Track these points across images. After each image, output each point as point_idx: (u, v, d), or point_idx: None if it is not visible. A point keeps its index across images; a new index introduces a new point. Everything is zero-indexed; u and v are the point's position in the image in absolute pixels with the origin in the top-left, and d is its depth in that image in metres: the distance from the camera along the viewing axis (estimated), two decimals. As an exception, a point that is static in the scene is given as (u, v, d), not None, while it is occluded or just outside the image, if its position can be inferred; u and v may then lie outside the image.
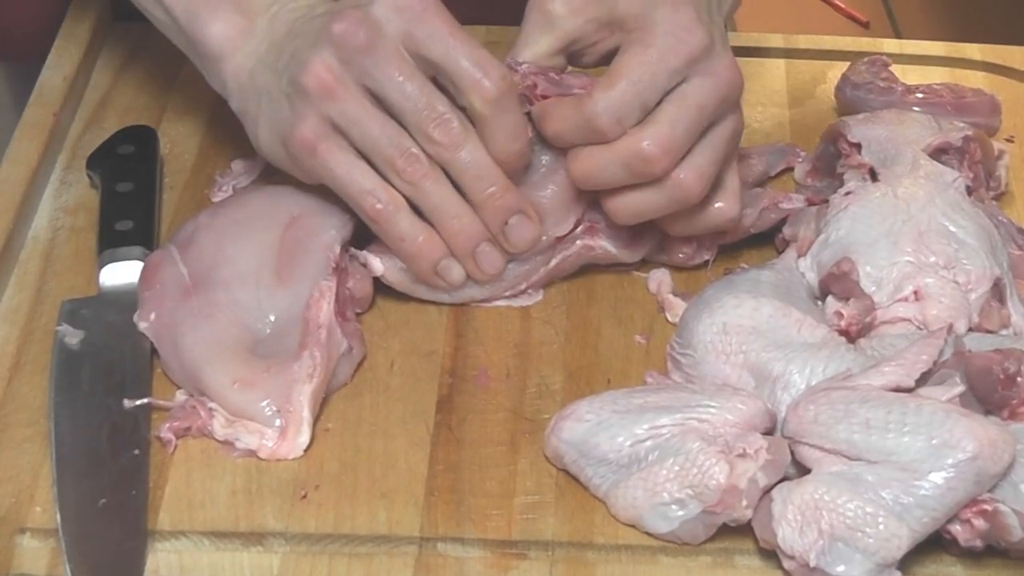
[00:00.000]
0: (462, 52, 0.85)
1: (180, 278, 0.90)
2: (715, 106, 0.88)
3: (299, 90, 0.86)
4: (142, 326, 0.89)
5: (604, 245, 0.93)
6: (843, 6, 2.44)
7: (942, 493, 0.75)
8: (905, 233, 0.88)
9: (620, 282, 0.95)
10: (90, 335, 0.89)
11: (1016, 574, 0.78)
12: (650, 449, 0.80)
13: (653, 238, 0.94)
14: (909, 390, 0.80)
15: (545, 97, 0.90)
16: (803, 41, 1.13)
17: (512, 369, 0.89)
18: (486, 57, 0.85)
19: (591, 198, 0.91)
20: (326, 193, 0.90)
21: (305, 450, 0.84)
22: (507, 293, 0.92)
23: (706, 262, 0.95)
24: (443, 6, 0.86)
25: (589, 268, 0.95)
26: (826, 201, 0.93)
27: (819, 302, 0.89)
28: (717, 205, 0.91)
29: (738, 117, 0.91)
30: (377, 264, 0.90)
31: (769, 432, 0.81)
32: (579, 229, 0.92)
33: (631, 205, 0.88)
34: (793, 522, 0.76)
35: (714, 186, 0.89)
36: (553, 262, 0.92)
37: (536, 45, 0.92)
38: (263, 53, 0.90)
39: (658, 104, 0.86)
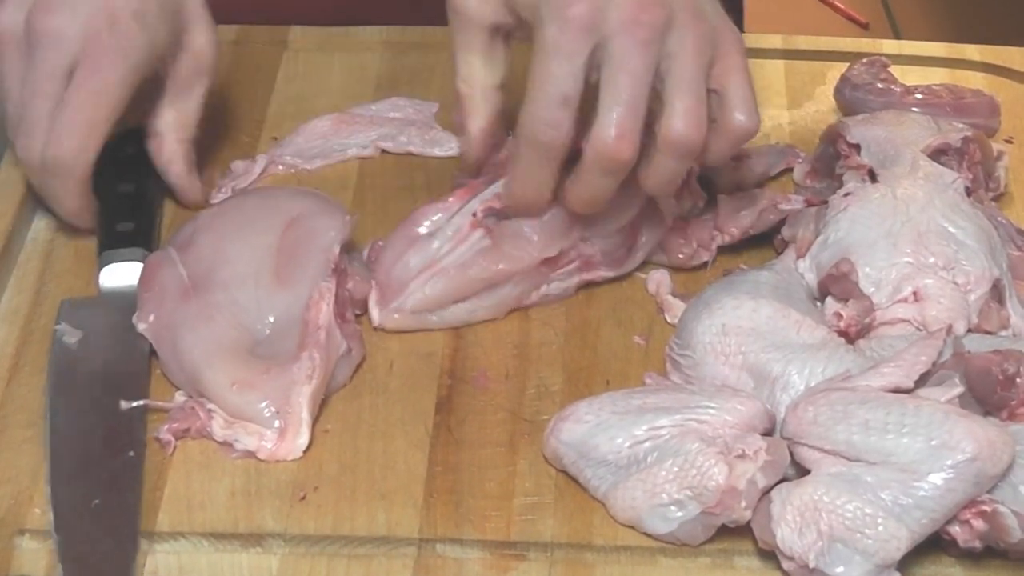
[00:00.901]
0: None
1: (179, 279, 0.90)
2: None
3: None
4: (141, 327, 0.89)
5: (601, 273, 0.94)
6: (842, 7, 2.44)
7: (941, 494, 0.75)
8: (904, 234, 0.88)
9: (619, 283, 0.95)
10: (88, 335, 0.89)
11: (1016, 575, 0.78)
12: (649, 450, 0.80)
13: (645, 249, 0.94)
14: (908, 391, 0.80)
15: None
16: (802, 42, 1.13)
17: (511, 370, 0.89)
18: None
19: (583, 228, 0.91)
20: (325, 195, 0.90)
21: (304, 451, 0.84)
22: (498, 317, 0.92)
23: (705, 263, 0.95)
24: None
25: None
26: (825, 202, 0.93)
27: (818, 303, 0.89)
28: (737, 118, 0.87)
29: (716, 32, 0.86)
30: (375, 315, 0.91)
31: (768, 433, 0.81)
32: (573, 265, 0.92)
33: (654, 177, 0.86)
34: (792, 523, 0.76)
35: (724, 104, 0.86)
36: (544, 288, 0.92)
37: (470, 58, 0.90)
38: None
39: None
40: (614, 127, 0.83)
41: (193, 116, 0.97)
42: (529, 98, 0.84)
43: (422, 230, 0.91)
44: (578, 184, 0.86)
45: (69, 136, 0.90)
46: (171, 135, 0.96)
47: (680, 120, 0.83)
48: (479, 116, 0.91)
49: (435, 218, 0.91)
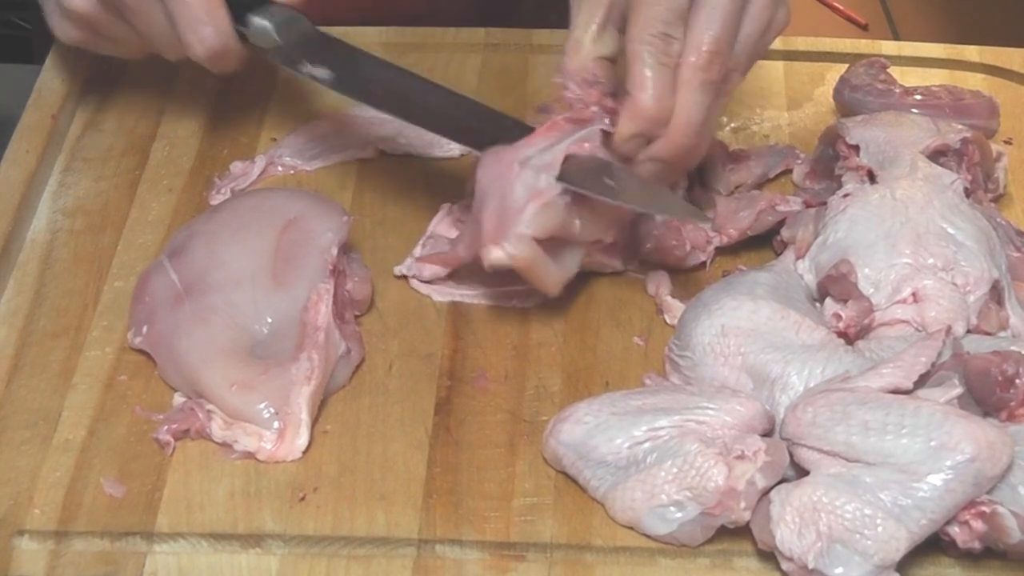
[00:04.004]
0: None
1: (171, 286, 0.90)
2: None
3: None
4: (136, 342, 0.89)
5: (615, 263, 0.94)
6: (841, 8, 2.44)
7: (940, 495, 0.75)
8: (903, 235, 0.88)
9: (618, 284, 0.95)
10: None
11: (1015, 576, 0.78)
12: (648, 451, 0.80)
13: (642, 244, 0.94)
14: (908, 392, 0.80)
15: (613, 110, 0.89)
16: (801, 43, 1.13)
17: (510, 371, 0.89)
18: None
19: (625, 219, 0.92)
20: (323, 196, 0.90)
21: (303, 452, 0.84)
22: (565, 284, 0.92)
23: (703, 264, 0.95)
24: None
25: (587, 270, 0.95)
26: (824, 203, 0.93)
27: (817, 304, 0.89)
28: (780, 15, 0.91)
29: None
30: (494, 253, 0.87)
31: (767, 434, 0.81)
32: (595, 249, 0.93)
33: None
34: (791, 524, 0.76)
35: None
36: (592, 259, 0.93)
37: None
38: None
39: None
40: (708, 41, 0.85)
41: None
42: (645, 10, 0.86)
43: (522, 163, 0.88)
44: (678, 106, 0.86)
45: (204, 32, 0.93)
46: None
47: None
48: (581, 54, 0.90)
49: (534, 151, 0.89)
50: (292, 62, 0.94)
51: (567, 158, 0.87)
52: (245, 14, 0.94)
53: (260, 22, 0.94)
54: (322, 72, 0.93)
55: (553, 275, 0.90)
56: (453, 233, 0.95)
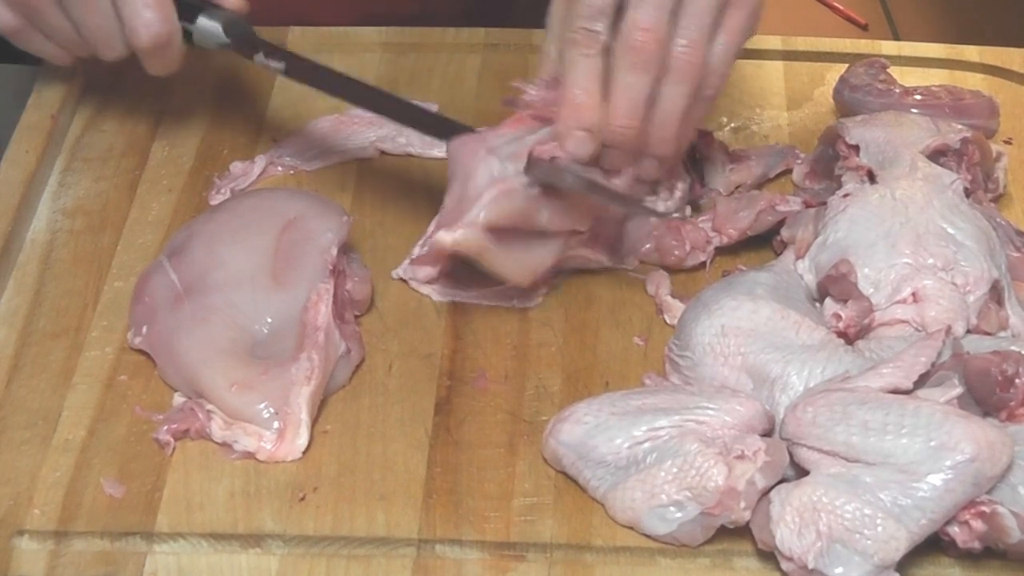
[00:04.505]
0: None
1: (170, 286, 0.90)
2: None
3: None
4: (136, 342, 0.89)
5: (599, 258, 0.94)
6: (841, 8, 2.44)
7: (940, 495, 0.75)
8: (903, 235, 0.88)
9: (618, 284, 0.95)
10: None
11: (1014, 576, 0.78)
12: (648, 451, 0.80)
13: (641, 244, 0.94)
14: (907, 392, 0.80)
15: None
16: (801, 43, 1.13)
17: (510, 371, 0.89)
18: None
19: (599, 213, 0.92)
20: (323, 196, 0.90)
21: (303, 452, 0.84)
22: (528, 281, 0.92)
23: (703, 264, 0.95)
24: None
25: (587, 271, 0.95)
26: (824, 203, 0.93)
27: (817, 304, 0.89)
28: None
29: None
30: (447, 237, 0.88)
31: (767, 434, 0.81)
32: (577, 240, 0.93)
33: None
34: (791, 524, 0.76)
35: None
36: (567, 255, 0.93)
37: None
38: None
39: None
40: (641, 22, 0.85)
41: None
42: (570, 11, 0.87)
43: (489, 151, 0.89)
44: (612, 91, 0.87)
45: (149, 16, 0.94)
46: None
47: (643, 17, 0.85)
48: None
49: (501, 141, 0.90)
50: (243, 55, 0.97)
51: (531, 154, 0.88)
52: (192, 13, 0.96)
53: (208, 22, 0.96)
54: (275, 63, 0.95)
55: (512, 265, 0.89)
56: None
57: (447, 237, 0.87)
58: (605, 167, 0.90)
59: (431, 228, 0.93)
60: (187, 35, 0.97)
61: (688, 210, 0.97)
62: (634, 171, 0.91)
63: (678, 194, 0.96)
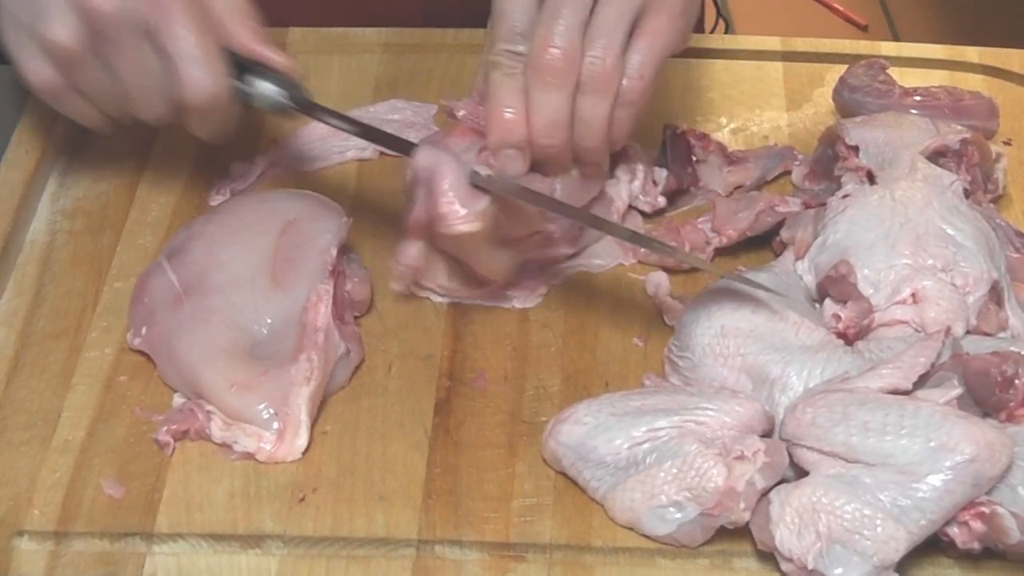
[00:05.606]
0: None
1: (170, 287, 0.90)
2: None
3: None
4: (135, 343, 0.89)
5: (563, 250, 0.95)
6: (841, 8, 2.44)
7: (940, 496, 0.75)
8: (903, 236, 0.88)
9: (618, 285, 0.95)
10: None
11: (1014, 576, 0.78)
12: (648, 452, 0.80)
13: (585, 235, 0.95)
14: (907, 393, 0.80)
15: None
16: (801, 44, 1.13)
17: (510, 372, 0.89)
18: None
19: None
20: (322, 197, 0.90)
21: (303, 453, 0.84)
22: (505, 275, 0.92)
23: (703, 264, 0.95)
24: None
25: (586, 272, 0.95)
26: (824, 204, 0.93)
27: (817, 305, 0.90)
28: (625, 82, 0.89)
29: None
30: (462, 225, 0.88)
31: (767, 434, 0.81)
32: (539, 238, 0.93)
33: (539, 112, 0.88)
34: (791, 524, 0.76)
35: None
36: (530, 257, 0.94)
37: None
38: None
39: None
40: (548, 39, 0.86)
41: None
42: (492, 33, 0.89)
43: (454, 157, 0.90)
44: (532, 108, 0.87)
45: (198, 74, 0.89)
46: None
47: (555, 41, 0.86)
48: None
49: (460, 151, 0.90)
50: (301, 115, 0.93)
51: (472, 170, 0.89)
52: (246, 72, 0.91)
53: (263, 83, 0.91)
54: (336, 121, 0.92)
55: (488, 261, 0.91)
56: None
57: (464, 226, 0.87)
58: (546, 174, 0.91)
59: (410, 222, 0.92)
60: (240, 96, 0.91)
61: (663, 201, 0.97)
62: (577, 174, 0.92)
63: (639, 176, 0.96)
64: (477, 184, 0.87)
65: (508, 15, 0.89)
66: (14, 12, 0.90)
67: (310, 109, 0.92)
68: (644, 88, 0.88)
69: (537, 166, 0.90)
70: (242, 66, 0.91)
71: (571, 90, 0.87)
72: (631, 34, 0.88)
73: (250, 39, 0.91)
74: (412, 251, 0.90)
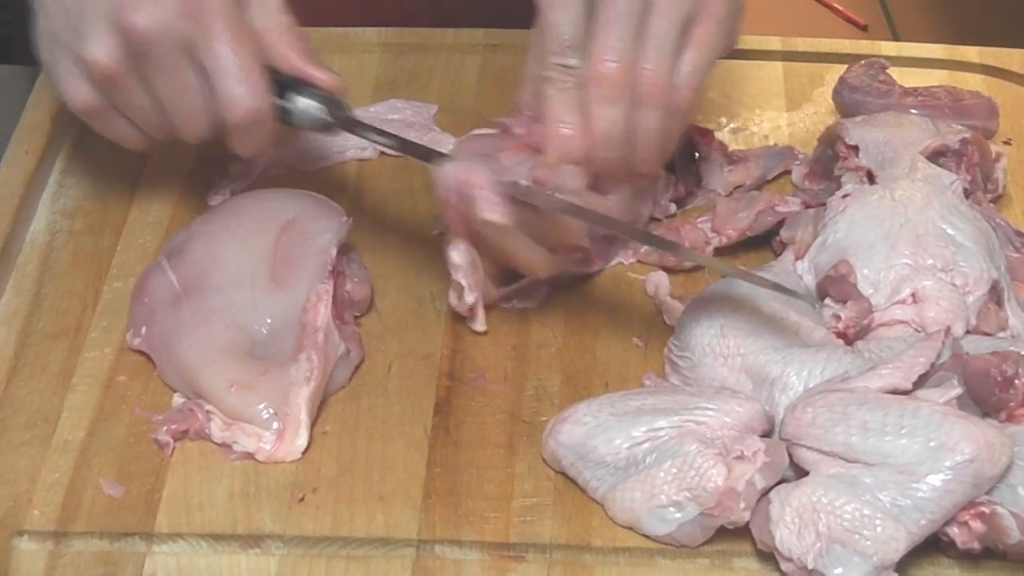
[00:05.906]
0: None
1: (169, 287, 0.90)
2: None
3: None
4: (135, 343, 0.89)
5: (596, 266, 0.95)
6: (841, 8, 2.44)
7: (939, 495, 0.75)
8: (903, 236, 0.88)
9: (618, 285, 0.95)
10: None
11: (1014, 576, 0.78)
12: (648, 452, 0.80)
13: (615, 250, 0.95)
14: (907, 392, 0.80)
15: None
16: (801, 43, 1.13)
17: (510, 372, 0.89)
18: None
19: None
20: (322, 196, 0.90)
21: (303, 453, 0.84)
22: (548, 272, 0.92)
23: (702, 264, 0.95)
24: None
25: (586, 272, 0.95)
26: (823, 204, 0.93)
27: (817, 305, 0.89)
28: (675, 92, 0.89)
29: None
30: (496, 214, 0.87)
31: (767, 434, 0.81)
32: (574, 258, 0.93)
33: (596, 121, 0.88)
34: (791, 524, 0.76)
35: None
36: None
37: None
38: None
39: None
40: (605, 52, 0.85)
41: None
42: (540, 47, 0.88)
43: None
44: (591, 122, 0.87)
45: (240, 92, 0.88)
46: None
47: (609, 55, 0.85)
48: None
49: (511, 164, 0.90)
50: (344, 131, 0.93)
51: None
52: (288, 91, 0.90)
53: (307, 100, 0.90)
54: (380, 138, 0.92)
55: (533, 253, 0.90)
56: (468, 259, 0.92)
57: (494, 215, 0.87)
58: (601, 191, 0.90)
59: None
60: (281, 113, 0.91)
61: (673, 208, 0.98)
62: (628, 188, 0.91)
63: (659, 185, 0.96)
64: (516, 195, 0.87)
65: (557, 28, 0.87)
66: (53, 31, 0.89)
67: (351, 125, 0.92)
68: (692, 98, 0.88)
69: (592, 181, 0.89)
70: (282, 82, 0.90)
71: (628, 103, 0.86)
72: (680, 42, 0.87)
73: (293, 56, 0.91)
74: (461, 247, 0.89)
